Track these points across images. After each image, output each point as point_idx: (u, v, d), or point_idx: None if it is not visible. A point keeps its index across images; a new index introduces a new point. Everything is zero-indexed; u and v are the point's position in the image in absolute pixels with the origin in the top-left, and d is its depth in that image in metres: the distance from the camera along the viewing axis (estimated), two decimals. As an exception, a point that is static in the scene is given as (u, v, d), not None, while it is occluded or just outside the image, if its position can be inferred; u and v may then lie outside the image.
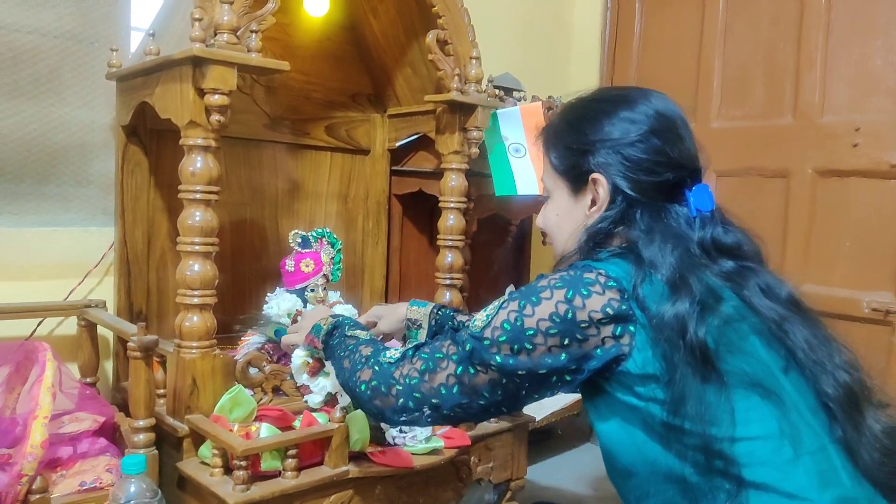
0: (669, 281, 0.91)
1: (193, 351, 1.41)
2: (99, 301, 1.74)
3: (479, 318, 0.96)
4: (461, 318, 1.44)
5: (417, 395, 0.99)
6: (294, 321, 1.58)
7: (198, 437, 1.40)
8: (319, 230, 1.73)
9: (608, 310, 0.89)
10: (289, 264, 1.69)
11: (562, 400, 2.33)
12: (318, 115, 2.08)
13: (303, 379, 1.48)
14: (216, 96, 1.35)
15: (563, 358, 0.90)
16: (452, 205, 1.88)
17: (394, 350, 1.08)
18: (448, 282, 1.90)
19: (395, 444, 1.49)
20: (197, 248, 1.39)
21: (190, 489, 1.38)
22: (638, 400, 0.90)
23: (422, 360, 1.00)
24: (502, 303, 0.95)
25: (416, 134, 2.14)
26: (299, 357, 1.46)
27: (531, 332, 0.90)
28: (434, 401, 0.98)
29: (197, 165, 1.38)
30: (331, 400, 1.47)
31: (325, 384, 1.47)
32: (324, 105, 2.10)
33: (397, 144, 2.21)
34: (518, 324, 0.91)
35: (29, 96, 1.69)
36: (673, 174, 1.00)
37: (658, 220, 0.98)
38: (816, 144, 2.38)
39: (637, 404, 0.90)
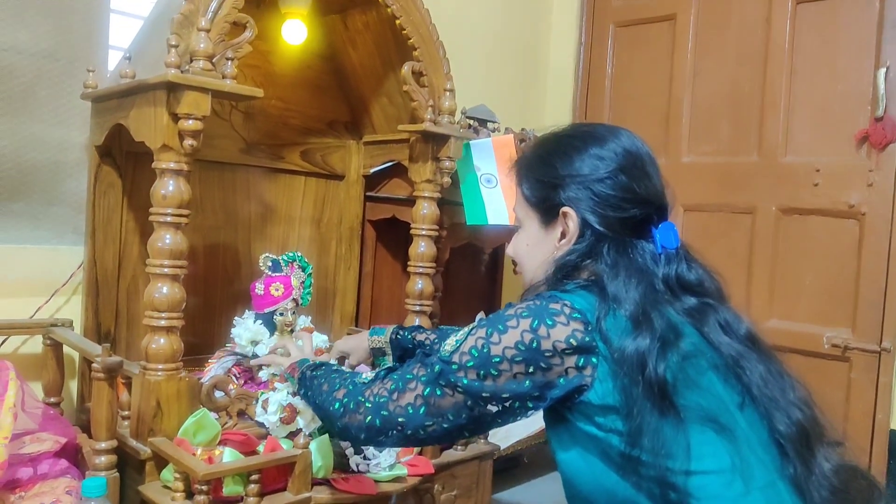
0: (632, 316, 0.93)
1: (159, 373, 1.41)
2: (65, 320, 1.73)
3: (450, 342, 0.99)
4: (420, 336, 1.48)
5: (385, 412, 1.03)
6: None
7: (161, 461, 1.39)
8: (290, 254, 1.74)
9: (572, 340, 0.91)
10: (258, 288, 1.70)
11: (528, 428, 2.34)
12: (294, 141, 2.11)
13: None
14: (190, 121, 1.37)
15: (526, 384, 0.93)
16: (424, 232, 1.91)
17: (370, 372, 1.13)
18: (418, 308, 1.92)
19: (359, 472, 1.49)
20: (166, 270, 1.40)
21: (151, 513, 1.37)
22: (598, 430, 0.92)
23: (392, 381, 1.04)
24: (471, 329, 0.98)
25: (390, 161, 2.17)
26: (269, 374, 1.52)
27: (497, 359, 0.93)
28: (400, 419, 1.01)
29: (169, 188, 1.39)
30: (287, 416, 1.47)
31: (279, 398, 1.47)
32: (301, 131, 2.12)
33: (372, 171, 2.23)
34: (485, 350, 0.94)
35: (1, 113, 1.69)
36: (639, 210, 1.03)
37: (624, 255, 1.01)
38: (780, 183, 2.46)
39: (597, 434, 0.92)
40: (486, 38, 2.92)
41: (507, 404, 0.95)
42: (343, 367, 1.27)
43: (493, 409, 0.96)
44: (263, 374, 1.62)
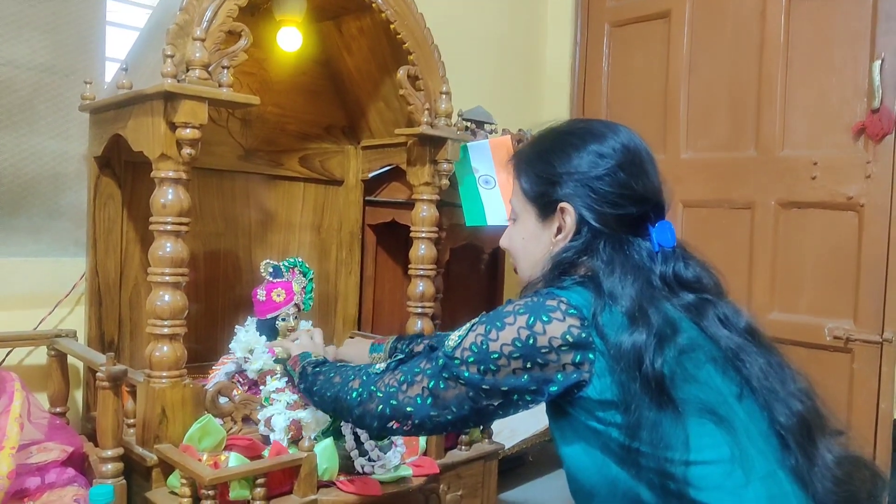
0: (628, 312, 0.94)
1: (163, 380, 1.42)
2: (69, 331, 1.74)
3: (453, 338, 1.02)
4: (418, 348, 1.50)
5: (394, 402, 1.06)
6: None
7: (167, 467, 1.40)
8: (291, 260, 1.75)
9: (568, 337, 0.92)
10: (260, 294, 1.71)
11: (532, 427, 2.35)
12: (292, 147, 2.12)
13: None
14: (187, 130, 1.38)
15: (524, 379, 0.95)
16: (424, 235, 1.92)
17: (382, 364, 1.17)
18: (420, 310, 1.92)
19: (364, 473, 1.50)
20: (167, 278, 1.41)
21: (158, 520, 1.38)
22: (598, 424, 0.93)
23: (402, 373, 1.07)
24: (472, 325, 1.01)
25: (388, 165, 2.18)
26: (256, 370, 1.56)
27: (496, 355, 0.95)
28: (409, 409, 1.04)
29: (168, 197, 1.40)
30: (294, 433, 1.48)
31: (280, 419, 1.48)
32: (299, 137, 2.13)
33: (370, 175, 2.24)
34: (484, 347, 0.96)
35: (0, 126, 1.71)
36: (637, 208, 1.04)
37: (620, 252, 1.01)
38: (778, 177, 2.46)
39: (598, 428, 0.93)
40: (481, 40, 2.93)
41: (507, 397, 0.97)
42: (347, 364, 1.30)
43: (495, 401, 0.98)
44: (250, 370, 1.62)
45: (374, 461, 1.51)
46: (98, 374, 1.35)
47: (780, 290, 2.47)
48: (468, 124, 2.30)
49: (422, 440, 1.66)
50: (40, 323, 1.76)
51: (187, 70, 1.40)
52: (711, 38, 2.66)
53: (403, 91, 1.85)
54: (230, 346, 1.69)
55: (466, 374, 0.98)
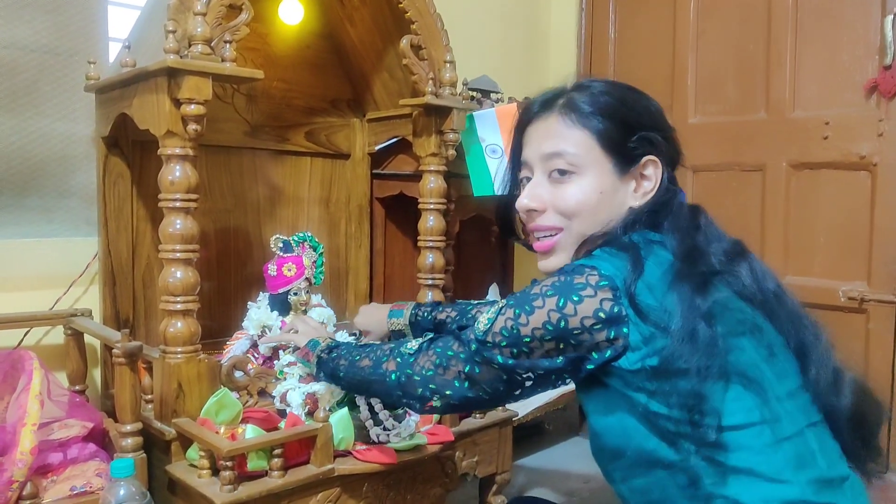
0: (673, 272, 0.94)
1: (178, 356, 1.44)
2: (85, 310, 1.76)
3: (482, 321, 1.01)
4: (440, 315, 1.50)
5: (433, 385, 1.07)
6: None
7: (185, 441, 1.42)
8: (301, 234, 1.76)
9: (601, 314, 0.91)
10: (271, 269, 1.71)
11: (547, 394, 2.36)
12: (298, 122, 2.11)
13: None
14: (192, 106, 1.38)
15: (559, 361, 0.95)
16: (432, 206, 1.92)
17: (413, 342, 1.15)
18: (430, 282, 1.93)
19: (380, 442, 1.51)
20: (178, 255, 1.42)
21: (180, 492, 1.40)
22: (629, 390, 0.93)
23: (436, 355, 1.08)
24: (500, 309, 0.99)
25: (394, 137, 2.17)
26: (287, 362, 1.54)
27: (527, 339, 0.95)
28: (447, 392, 1.06)
29: (175, 174, 1.40)
30: (311, 406, 1.49)
31: (294, 394, 1.49)
32: (304, 111, 2.13)
33: (377, 148, 2.23)
34: (515, 332, 0.95)
35: (7, 109, 1.72)
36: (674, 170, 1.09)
37: (680, 212, 1.03)
38: (789, 138, 2.43)
39: (629, 393, 0.93)
40: (485, 8, 2.89)
41: (542, 377, 0.98)
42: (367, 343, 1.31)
43: (529, 381, 0.99)
44: (263, 347, 1.64)
45: (390, 430, 1.52)
46: (114, 350, 1.37)
47: (794, 253, 2.45)
48: (474, 94, 2.28)
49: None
50: (56, 303, 1.78)
51: (189, 45, 1.39)
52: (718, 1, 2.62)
53: (407, 60, 1.83)
54: (243, 324, 1.70)
55: (500, 359, 0.97)
